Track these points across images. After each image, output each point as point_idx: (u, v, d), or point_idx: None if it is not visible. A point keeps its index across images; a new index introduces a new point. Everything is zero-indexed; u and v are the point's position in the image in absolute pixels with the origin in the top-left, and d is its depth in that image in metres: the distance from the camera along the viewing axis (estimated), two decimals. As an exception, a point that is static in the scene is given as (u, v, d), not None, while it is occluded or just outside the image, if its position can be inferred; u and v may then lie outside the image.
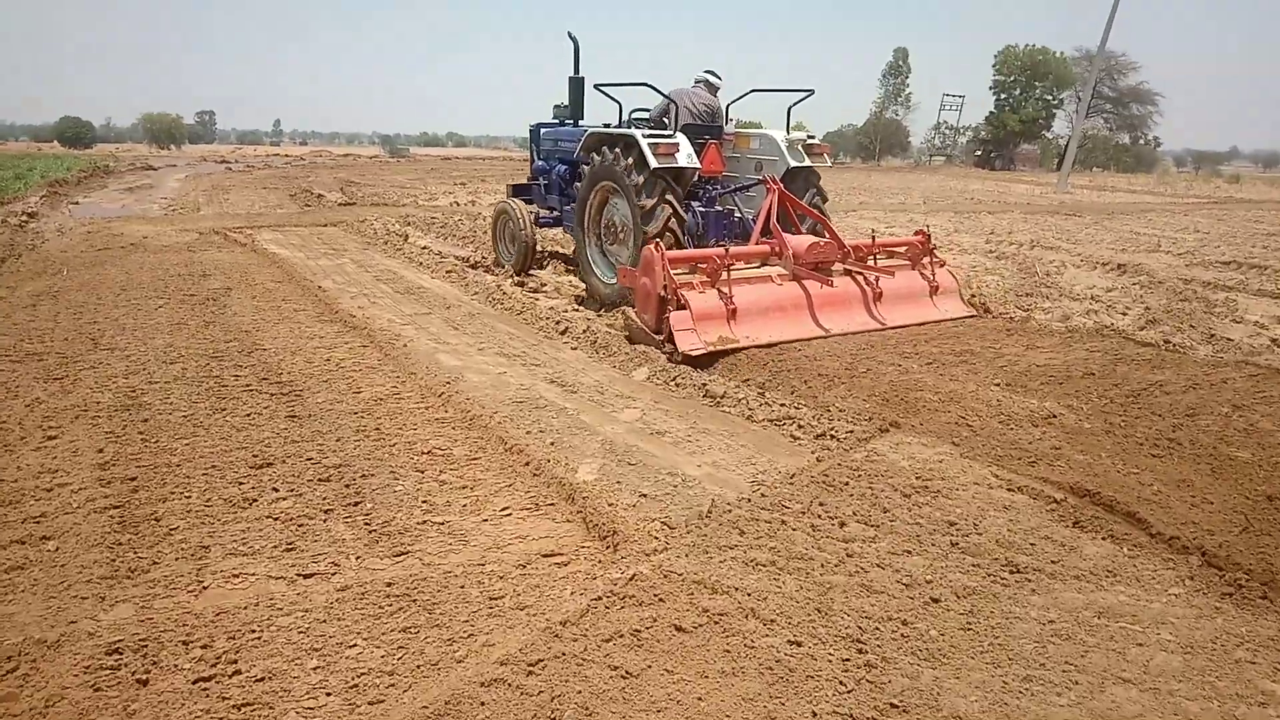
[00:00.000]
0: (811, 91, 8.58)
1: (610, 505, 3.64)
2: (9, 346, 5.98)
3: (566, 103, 9.22)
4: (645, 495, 3.80)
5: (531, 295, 8.56)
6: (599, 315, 7.59)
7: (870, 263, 7.08)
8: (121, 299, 7.72)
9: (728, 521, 3.42)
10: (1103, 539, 3.31)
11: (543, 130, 10.22)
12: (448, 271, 9.66)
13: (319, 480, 3.88)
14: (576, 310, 7.88)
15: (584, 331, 6.75)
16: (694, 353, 5.88)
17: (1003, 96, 61.84)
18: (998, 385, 5.12)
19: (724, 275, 6.24)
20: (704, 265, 6.34)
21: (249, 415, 4.72)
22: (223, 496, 3.67)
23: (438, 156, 59.91)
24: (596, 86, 8.25)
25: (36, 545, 3.21)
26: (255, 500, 3.65)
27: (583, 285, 8.51)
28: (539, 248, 9.91)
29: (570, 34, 8.92)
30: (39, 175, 22.22)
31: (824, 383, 5.25)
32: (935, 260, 7.31)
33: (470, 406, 4.96)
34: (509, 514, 3.61)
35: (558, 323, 7.09)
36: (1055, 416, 4.57)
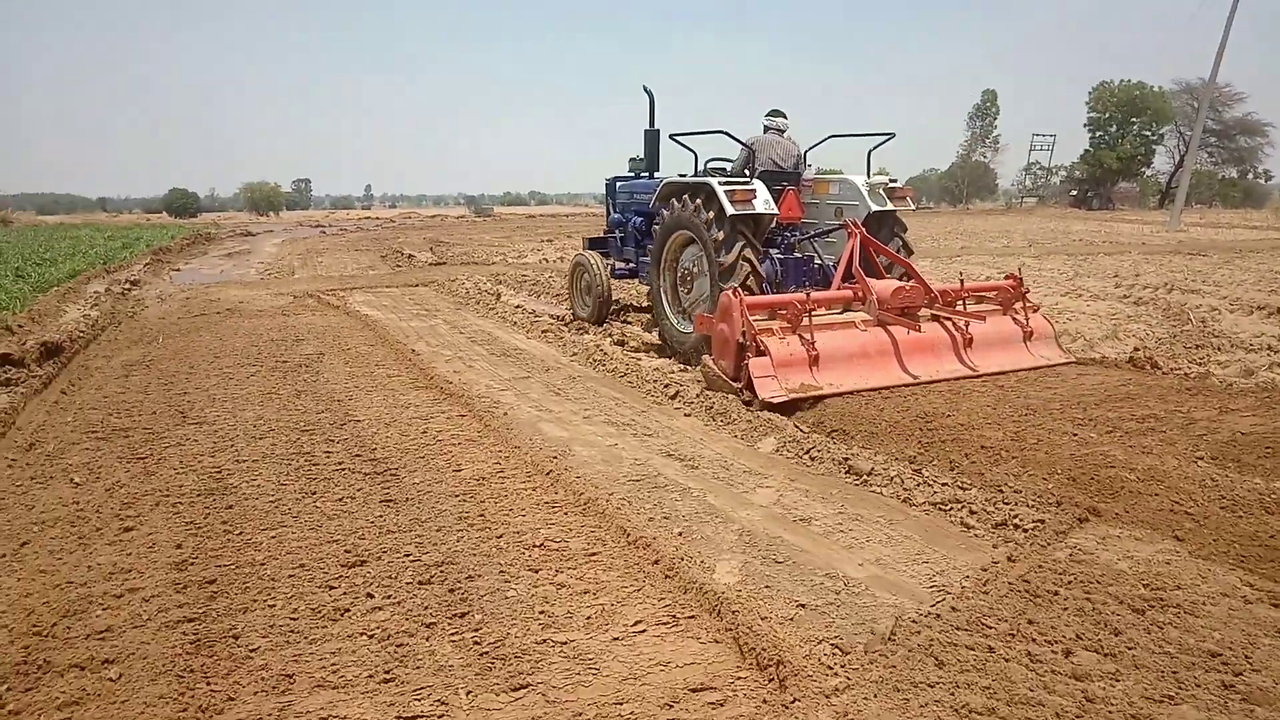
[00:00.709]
0: (892, 135, 8.21)
1: (763, 619, 2.99)
2: (97, 422, 5.71)
3: (642, 155, 9.30)
4: (803, 605, 3.13)
5: (633, 355, 8.03)
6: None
7: (959, 308, 6.80)
8: (213, 368, 7.48)
9: (918, 647, 2.74)
10: None
11: (619, 183, 10.23)
12: (544, 331, 9.23)
13: (419, 583, 3.34)
14: (684, 371, 7.30)
15: (697, 396, 6.14)
16: (774, 400, 5.69)
17: (1098, 134, 59.77)
18: (1203, 459, 4.30)
19: (805, 321, 6.04)
20: (784, 311, 6.15)
21: (341, 500, 4.25)
22: (311, 605, 3.16)
23: (523, 215, 60.75)
24: (672, 136, 8.13)
25: (97, 672, 2.73)
26: (348, 610, 3.12)
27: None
28: (615, 299, 9.81)
29: (646, 88, 8.97)
30: (145, 244, 23.00)
31: (989, 456, 4.51)
32: (1029, 305, 6.96)
33: (583, 487, 4.39)
34: (643, 630, 2.99)
35: (666, 386, 6.51)
36: (1293, 500, 3.74)
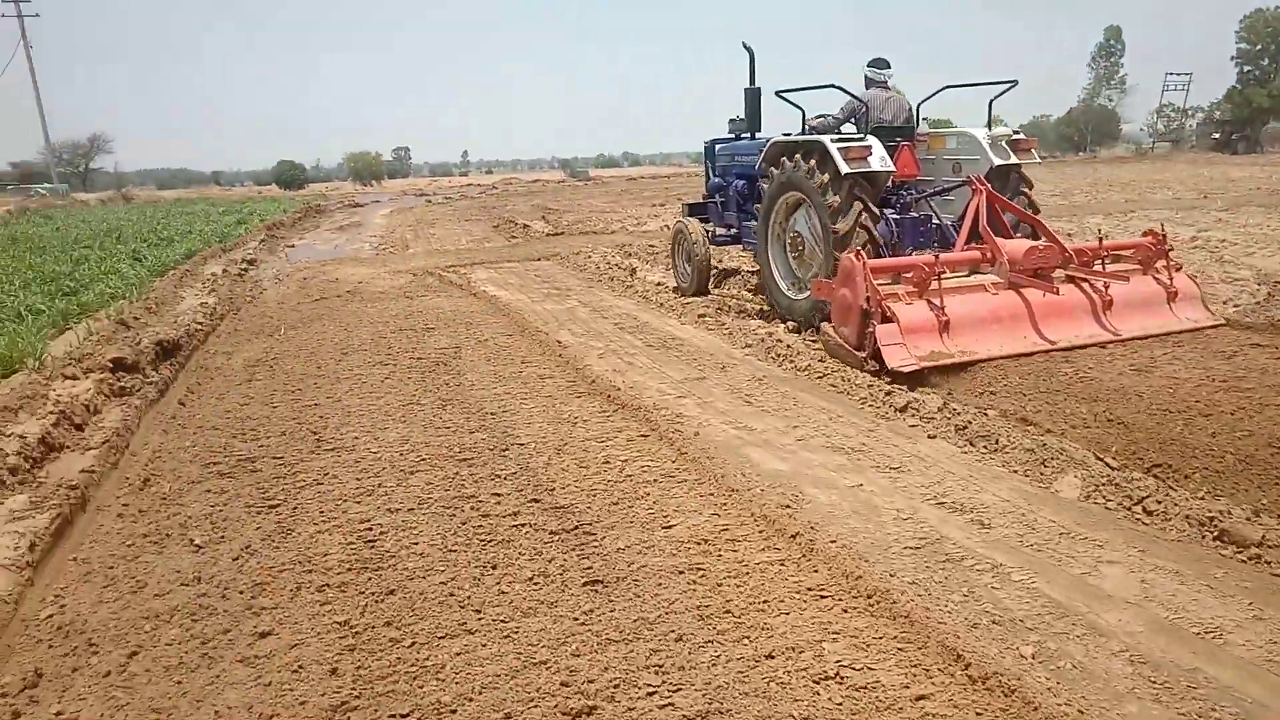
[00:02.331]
0: (1015, 83, 7.52)
1: None
2: (219, 447, 4.82)
3: (742, 116, 8.89)
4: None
5: (816, 346, 6.76)
6: (942, 383, 5.65)
7: (1097, 268, 6.33)
8: (343, 367, 6.59)
9: None
10: None
11: (718, 146, 9.78)
12: (700, 316, 8.04)
13: (687, 759, 2.23)
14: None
15: (938, 410, 4.86)
16: (904, 368, 5.43)
17: (1247, 69, 54.58)
18: None
19: (933, 285, 5.70)
20: (909, 274, 5.86)
21: (532, 581, 3.18)
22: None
23: (621, 177, 59.50)
24: (778, 93, 7.59)
25: None
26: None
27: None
28: (714, 266, 9.58)
29: (745, 44, 8.51)
30: (258, 219, 22.81)
31: None
32: (1171, 264, 6.47)
33: (848, 560, 3.21)
34: None
35: (888, 393, 5.25)
36: None
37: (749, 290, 9.43)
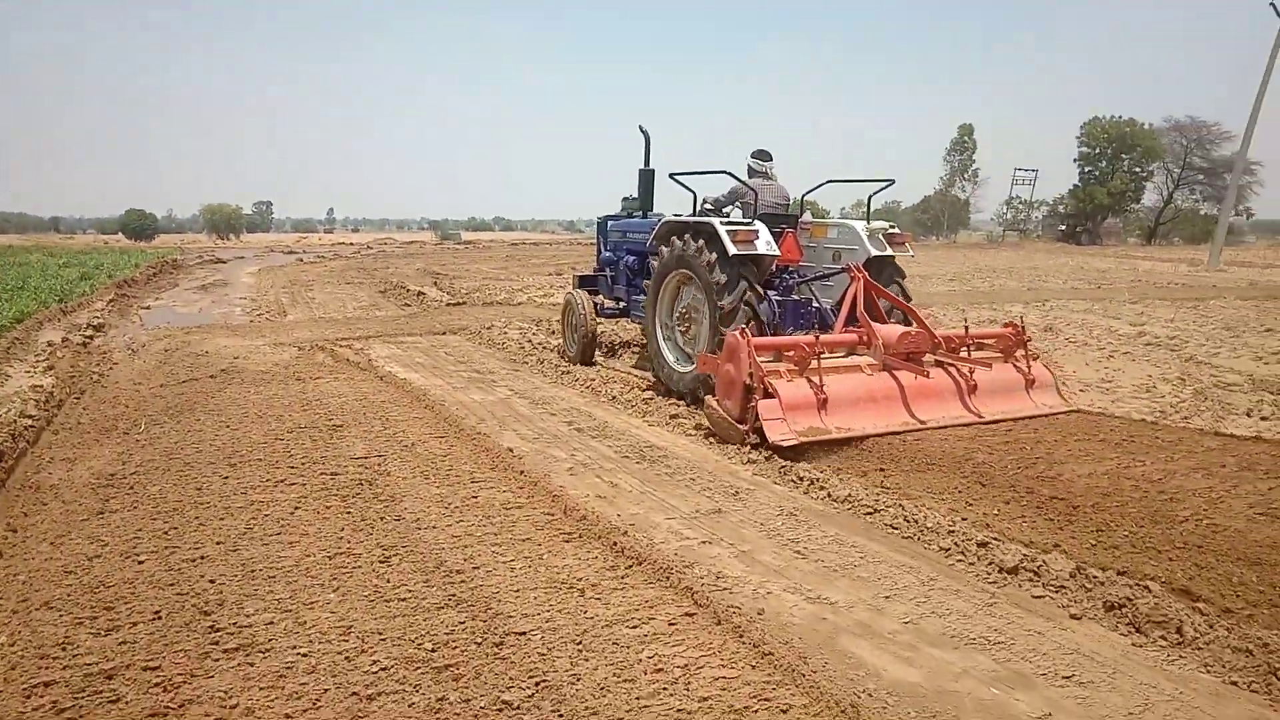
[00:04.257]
0: (892, 181, 8.09)
1: None
2: (58, 644, 3.14)
3: (635, 195, 9.35)
4: None
5: (840, 469, 5.59)
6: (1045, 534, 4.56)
7: (963, 354, 6.76)
8: (232, 489, 4.94)
9: None
10: None
11: (610, 222, 10.06)
12: (671, 417, 6.80)
13: None
14: (964, 509, 4.83)
15: (1071, 577, 3.74)
16: (784, 443, 5.57)
17: (1087, 169, 59.16)
18: None
19: (813, 364, 5.96)
20: (791, 353, 6.09)
21: None
22: None
23: (501, 242, 58.16)
24: (672, 176, 7.87)
25: None
26: None
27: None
28: (598, 338, 9.75)
29: (641, 128, 9.04)
30: (106, 274, 20.09)
31: None
32: (1029, 353, 6.91)
33: None
34: None
35: (981, 545, 4.10)
36: None
37: (634, 365, 9.51)
